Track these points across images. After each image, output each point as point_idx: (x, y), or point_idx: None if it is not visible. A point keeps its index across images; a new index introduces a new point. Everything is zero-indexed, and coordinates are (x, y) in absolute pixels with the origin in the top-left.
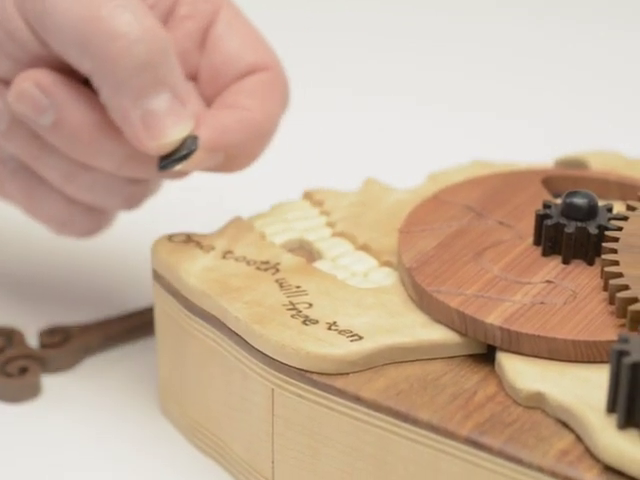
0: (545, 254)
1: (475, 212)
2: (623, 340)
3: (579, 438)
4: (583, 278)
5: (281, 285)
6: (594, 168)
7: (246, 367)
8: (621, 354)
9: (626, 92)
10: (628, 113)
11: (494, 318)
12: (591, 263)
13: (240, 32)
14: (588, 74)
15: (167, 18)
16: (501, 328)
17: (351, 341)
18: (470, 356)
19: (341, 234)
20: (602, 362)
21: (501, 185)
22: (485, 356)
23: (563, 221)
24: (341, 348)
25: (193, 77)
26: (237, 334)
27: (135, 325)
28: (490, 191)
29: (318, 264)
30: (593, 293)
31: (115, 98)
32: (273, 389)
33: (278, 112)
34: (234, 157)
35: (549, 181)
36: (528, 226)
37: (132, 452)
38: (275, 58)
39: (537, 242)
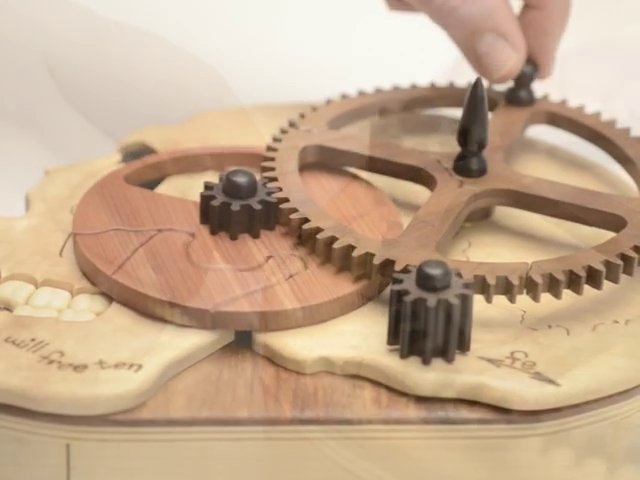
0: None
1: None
2: (398, 281)
3: (377, 383)
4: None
5: (16, 344)
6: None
7: (29, 434)
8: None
9: None
10: None
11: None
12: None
13: None
14: None
15: None
16: (255, 313)
17: (135, 372)
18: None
19: (12, 277)
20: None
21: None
22: (233, 343)
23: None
24: (132, 381)
25: None
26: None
27: None
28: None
29: (20, 311)
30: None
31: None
32: (68, 444)
33: None
34: None
35: (130, 177)
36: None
37: None
38: None
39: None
